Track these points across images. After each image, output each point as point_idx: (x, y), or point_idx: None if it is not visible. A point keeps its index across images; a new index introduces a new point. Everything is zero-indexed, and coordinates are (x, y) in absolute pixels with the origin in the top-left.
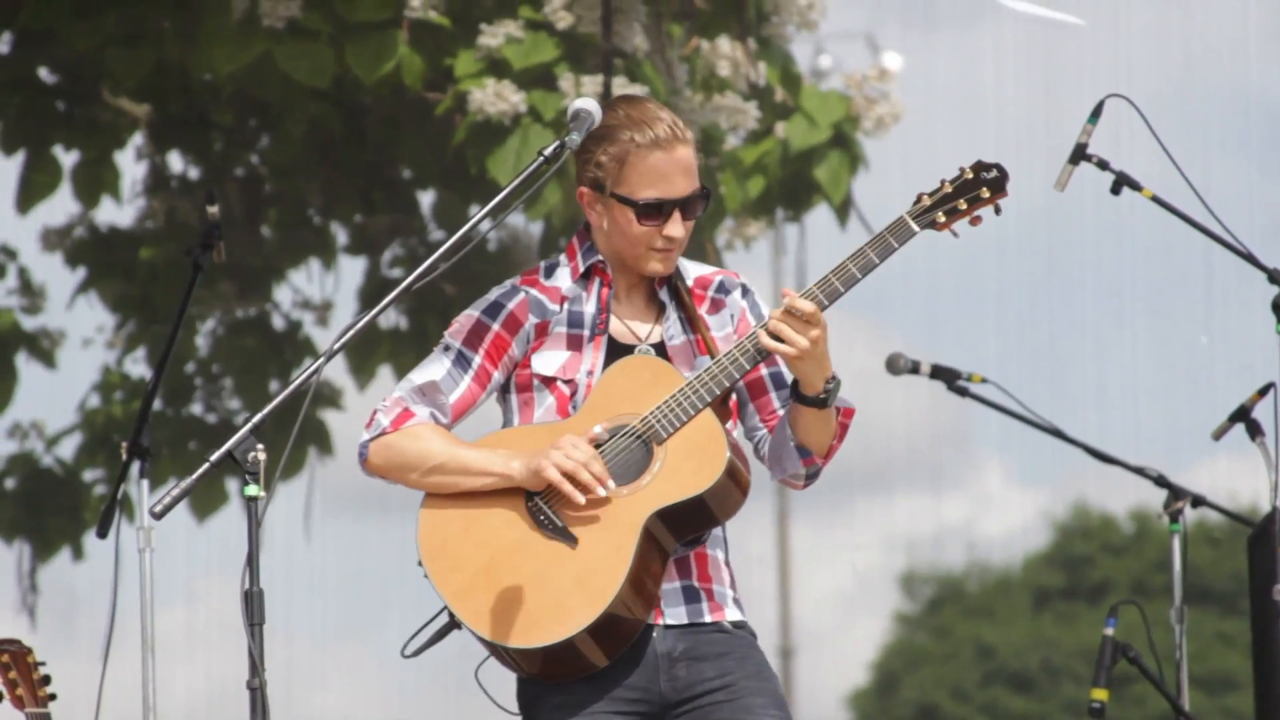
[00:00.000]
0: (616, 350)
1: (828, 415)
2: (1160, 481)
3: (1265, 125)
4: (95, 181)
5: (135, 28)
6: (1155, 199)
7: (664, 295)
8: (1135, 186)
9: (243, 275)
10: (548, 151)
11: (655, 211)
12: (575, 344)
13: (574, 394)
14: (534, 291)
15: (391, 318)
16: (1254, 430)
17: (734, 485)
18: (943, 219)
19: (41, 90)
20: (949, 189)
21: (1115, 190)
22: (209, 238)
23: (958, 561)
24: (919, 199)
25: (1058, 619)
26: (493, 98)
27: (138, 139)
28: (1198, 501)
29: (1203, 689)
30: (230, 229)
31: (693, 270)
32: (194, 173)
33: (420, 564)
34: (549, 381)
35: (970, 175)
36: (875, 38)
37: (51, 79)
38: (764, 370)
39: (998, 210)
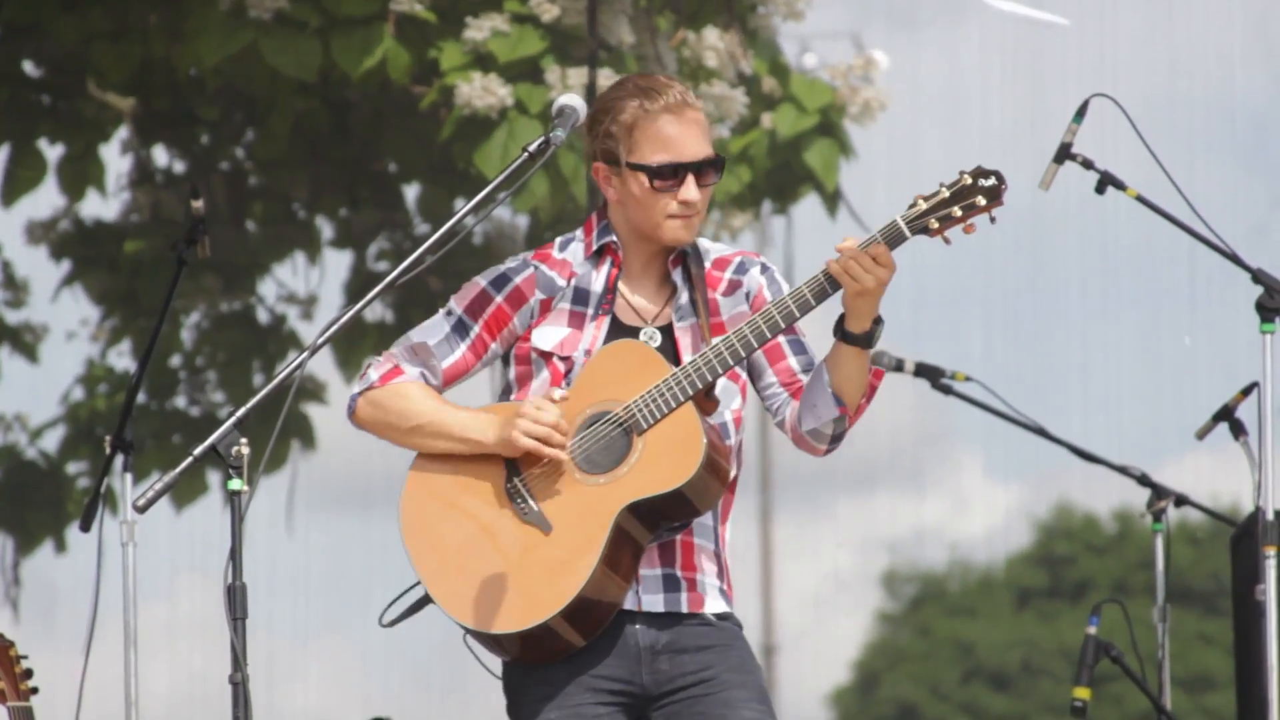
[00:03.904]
0: (619, 330)
1: (864, 363)
2: (1143, 481)
3: (1249, 128)
4: (80, 175)
5: (121, 22)
6: (1140, 198)
7: (677, 276)
8: (1120, 186)
9: (227, 269)
10: (532, 147)
11: (669, 175)
12: (577, 321)
13: (569, 371)
14: (544, 267)
15: (377, 311)
16: (1237, 430)
17: (712, 477)
18: (935, 225)
19: (26, 84)
20: (945, 194)
21: (1100, 189)
22: (194, 232)
23: (939, 560)
24: (915, 202)
25: (1039, 618)
26: (480, 91)
27: (123, 133)
28: (1181, 501)
29: (1183, 688)
30: (215, 223)
31: (714, 251)
32: (179, 167)
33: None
34: (546, 356)
35: (969, 181)
36: (860, 37)
37: (36, 72)
38: (782, 338)
39: (993, 219)
